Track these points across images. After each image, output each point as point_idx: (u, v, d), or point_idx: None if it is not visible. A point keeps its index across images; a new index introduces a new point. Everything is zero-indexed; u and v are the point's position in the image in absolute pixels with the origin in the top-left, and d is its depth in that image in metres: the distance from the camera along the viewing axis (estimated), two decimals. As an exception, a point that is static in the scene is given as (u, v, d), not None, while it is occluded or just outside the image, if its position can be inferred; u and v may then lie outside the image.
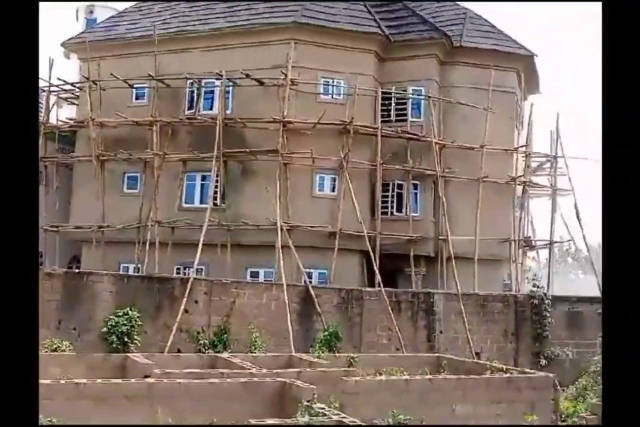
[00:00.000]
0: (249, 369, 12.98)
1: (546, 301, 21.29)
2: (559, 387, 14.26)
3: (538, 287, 21.57)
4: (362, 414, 11.92)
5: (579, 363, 20.19)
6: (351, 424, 9.53)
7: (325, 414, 9.94)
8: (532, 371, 15.13)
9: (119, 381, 11.06)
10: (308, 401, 10.26)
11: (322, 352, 17.35)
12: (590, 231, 37.48)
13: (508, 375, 13.64)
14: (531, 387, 13.58)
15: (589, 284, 24.97)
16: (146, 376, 12.18)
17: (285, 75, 21.60)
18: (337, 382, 12.24)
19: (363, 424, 9.74)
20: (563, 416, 14.38)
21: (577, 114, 60.63)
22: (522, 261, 27.50)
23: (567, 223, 24.75)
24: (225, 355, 14.99)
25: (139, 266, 22.21)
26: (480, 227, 22.87)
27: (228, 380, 11.43)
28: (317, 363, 14.42)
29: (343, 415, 9.96)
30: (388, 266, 22.82)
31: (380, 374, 14.91)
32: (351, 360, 16.04)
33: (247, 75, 22.11)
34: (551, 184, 25.77)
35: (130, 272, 22.08)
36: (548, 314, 21.22)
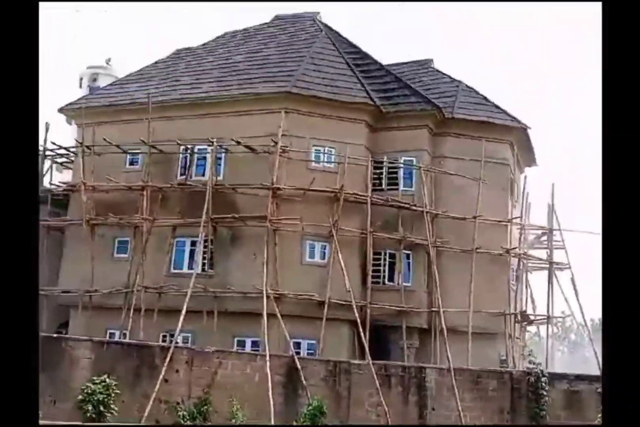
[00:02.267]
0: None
1: (543, 379, 20.43)
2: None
3: (534, 363, 20.79)
4: None
5: (579, 444, 19.25)
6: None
7: None
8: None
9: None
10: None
11: (304, 428, 16.61)
12: (590, 305, 36.85)
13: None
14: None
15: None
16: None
17: (276, 143, 21.67)
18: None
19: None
20: None
21: (578, 185, 60.98)
22: (521, 336, 26.78)
23: (567, 298, 24.23)
24: (198, 428, 14.27)
25: (125, 332, 21.61)
26: (474, 299, 22.32)
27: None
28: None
29: None
30: (380, 337, 22.21)
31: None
32: (333, 436, 15.30)
33: (238, 143, 22.22)
34: (547, 257, 25.36)
35: (117, 338, 21.48)
36: (545, 393, 20.28)
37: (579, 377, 21.39)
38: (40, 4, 7.21)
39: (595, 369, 22.04)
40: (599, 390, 20.81)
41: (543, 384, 20.35)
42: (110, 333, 22.36)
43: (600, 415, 17.66)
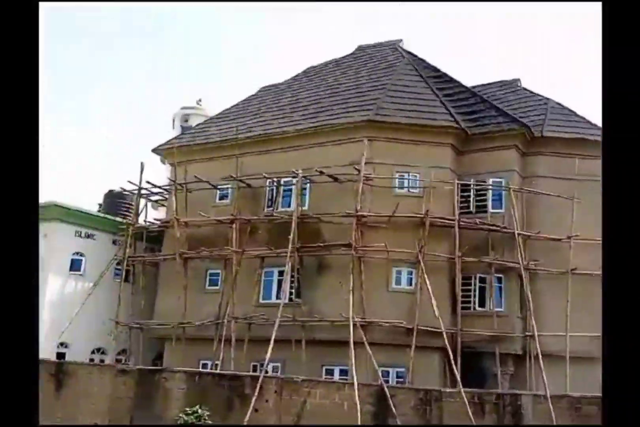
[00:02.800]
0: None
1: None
2: None
3: None
4: None
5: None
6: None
7: None
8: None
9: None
10: None
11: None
12: None
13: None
14: None
15: None
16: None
17: (359, 171, 21.77)
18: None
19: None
20: None
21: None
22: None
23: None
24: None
25: (217, 363, 22.08)
26: (571, 323, 21.35)
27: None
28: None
29: None
30: (473, 364, 21.55)
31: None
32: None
33: (321, 173, 22.48)
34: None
35: (209, 369, 21.96)
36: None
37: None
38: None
39: None
40: None
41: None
42: (202, 364, 22.86)
43: None
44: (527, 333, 21.52)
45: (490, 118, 24.28)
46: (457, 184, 22.70)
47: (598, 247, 22.50)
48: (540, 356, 20.14)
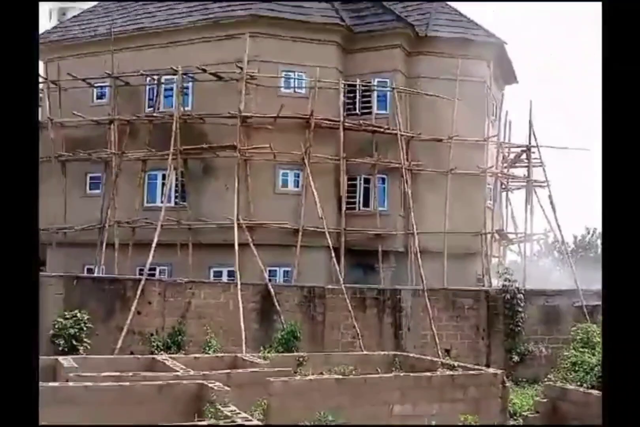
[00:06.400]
0: (176, 371, 12.43)
1: (518, 295, 20.55)
2: (507, 384, 13.61)
3: (510, 281, 20.84)
4: (289, 416, 11.37)
5: (555, 359, 19.44)
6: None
7: (229, 417, 9.39)
8: (480, 367, 14.44)
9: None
10: (211, 403, 9.73)
11: (279, 352, 16.82)
12: (568, 222, 36.67)
13: (451, 373, 12.97)
14: (477, 385, 12.93)
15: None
16: (67, 380, 11.74)
17: (242, 69, 21.06)
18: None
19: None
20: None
21: (564, 102, 59.77)
22: (501, 255, 26.81)
23: (547, 215, 23.99)
24: (163, 357, 14.43)
25: (102, 267, 21.74)
26: (451, 220, 22.29)
27: (141, 383, 10.87)
28: (256, 364, 13.83)
29: (249, 418, 9.38)
30: (357, 262, 22.30)
31: (338, 373, 14.31)
32: (300, 360, 15.47)
33: (204, 70, 21.59)
34: (525, 176, 25.02)
35: (96, 274, 21.61)
36: (521, 309, 20.48)
37: (557, 293, 21.57)
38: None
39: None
40: (576, 304, 21.06)
41: (519, 300, 20.49)
42: (88, 269, 22.45)
43: (573, 328, 17.71)
44: (408, 231, 22.25)
45: (376, 16, 23.84)
46: (343, 84, 22.45)
47: (476, 148, 23.47)
48: (418, 253, 20.97)
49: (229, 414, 9.62)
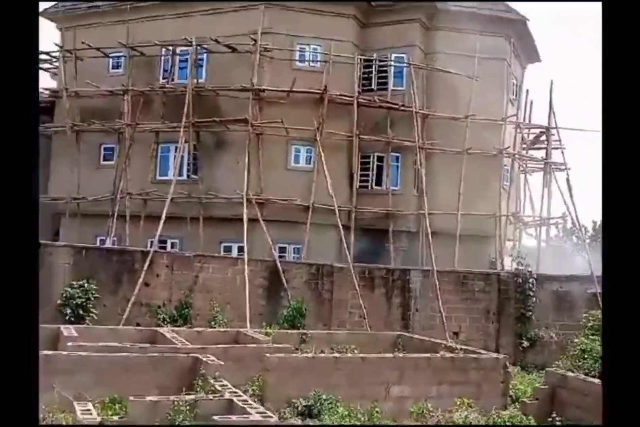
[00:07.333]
0: (175, 344, 12.42)
1: (530, 280, 20.17)
2: (509, 369, 13.43)
3: (523, 265, 20.48)
4: (284, 392, 11.33)
5: (565, 346, 19.16)
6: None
7: (218, 391, 9.35)
8: (483, 351, 14.23)
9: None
10: (203, 377, 9.70)
11: (285, 329, 16.80)
12: (588, 206, 35.92)
13: (451, 355, 12.81)
14: (478, 369, 12.78)
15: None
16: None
17: (255, 41, 20.75)
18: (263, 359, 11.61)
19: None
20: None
21: (584, 82, 58.39)
22: (516, 238, 26.39)
23: (565, 199, 23.51)
24: (164, 329, 14.45)
25: (114, 239, 21.79)
26: (465, 202, 21.91)
27: (134, 354, 10.86)
28: (258, 340, 13.78)
29: (238, 393, 9.32)
30: (369, 241, 22.05)
31: (339, 352, 14.25)
32: (304, 337, 15.42)
33: (217, 42, 21.29)
34: (543, 157, 24.50)
35: (107, 245, 21.66)
36: (532, 294, 20.07)
37: (570, 278, 21.17)
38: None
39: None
40: (589, 291, 20.69)
41: (530, 285, 20.14)
42: (100, 240, 22.52)
43: (585, 315, 17.45)
44: (420, 211, 21.95)
45: (396, -11, 23.25)
46: (359, 58, 22.05)
47: (494, 127, 22.99)
48: (430, 234, 20.69)
49: (219, 388, 9.60)
